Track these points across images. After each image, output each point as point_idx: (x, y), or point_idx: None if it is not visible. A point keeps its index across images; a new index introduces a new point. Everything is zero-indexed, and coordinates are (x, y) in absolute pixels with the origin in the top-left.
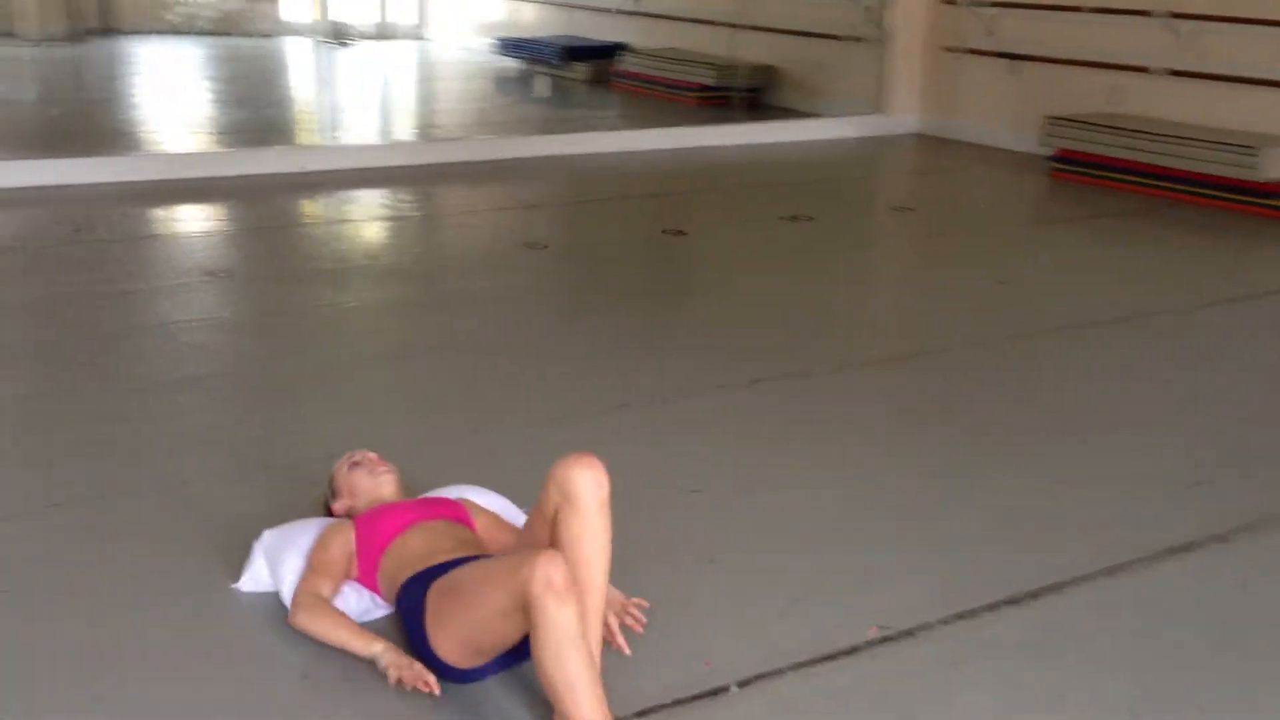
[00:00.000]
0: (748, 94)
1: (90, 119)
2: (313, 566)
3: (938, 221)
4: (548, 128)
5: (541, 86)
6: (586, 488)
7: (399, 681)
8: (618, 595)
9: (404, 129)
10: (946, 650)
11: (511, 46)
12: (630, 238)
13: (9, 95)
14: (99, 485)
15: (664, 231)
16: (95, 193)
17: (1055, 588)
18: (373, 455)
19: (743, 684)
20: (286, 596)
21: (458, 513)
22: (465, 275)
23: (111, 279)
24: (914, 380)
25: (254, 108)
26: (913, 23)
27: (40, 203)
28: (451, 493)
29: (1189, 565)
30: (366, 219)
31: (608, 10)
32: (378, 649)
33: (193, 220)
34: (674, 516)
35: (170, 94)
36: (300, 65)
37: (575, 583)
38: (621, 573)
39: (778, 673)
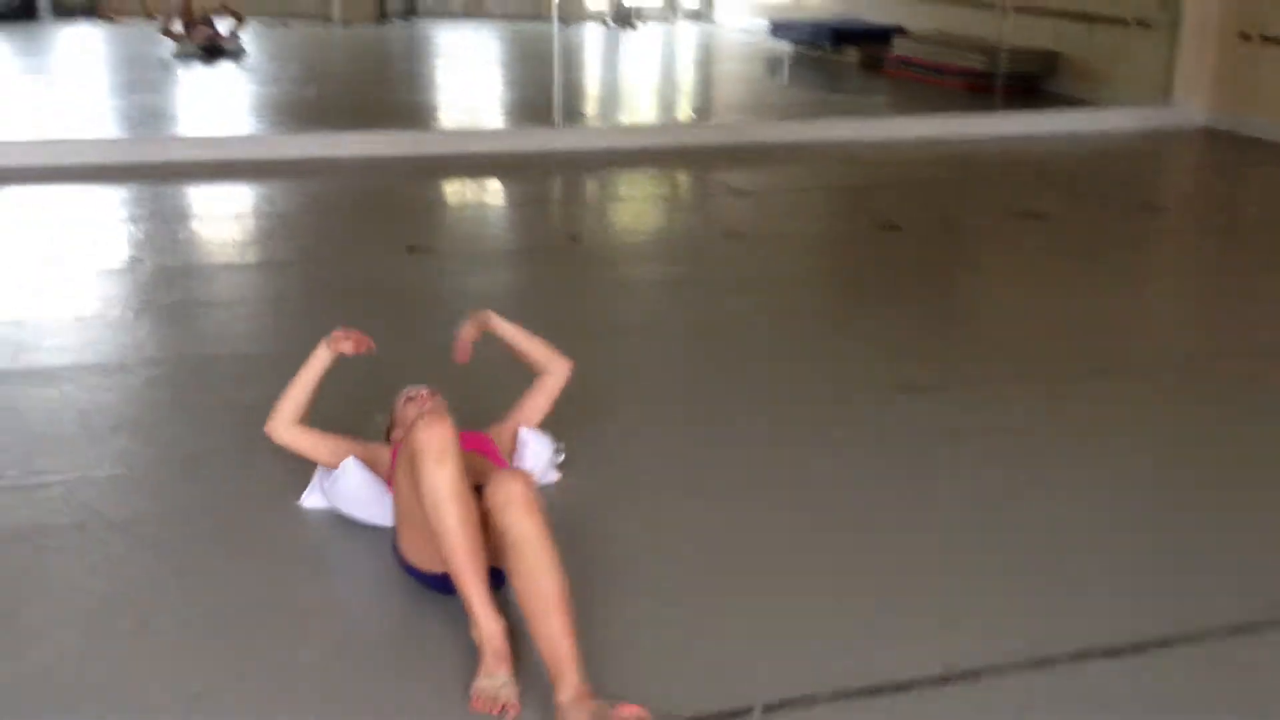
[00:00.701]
0: (1023, 81)
1: (382, 96)
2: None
3: (1195, 226)
4: (802, 112)
5: (785, 71)
6: (508, 501)
7: (345, 344)
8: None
9: (665, 111)
10: (1008, 699)
11: (785, 29)
12: (839, 231)
13: (308, 74)
14: None
15: (879, 226)
16: (386, 164)
17: (1166, 642)
18: (425, 391)
19: (769, 708)
20: (337, 502)
21: (484, 446)
22: (651, 258)
23: (397, 241)
24: (1094, 400)
25: (536, 88)
26: (1206, 6)
27: (334, 173)
28: (526, 436)
29: None
30: (630, 198)
31: None
32: (323, 344)
33: (478, 193)
34: (775, 524)
35: (460, 74)
36: (585, 48)
37: (453, 448)
38: (697, 577)
39: (811, 700)
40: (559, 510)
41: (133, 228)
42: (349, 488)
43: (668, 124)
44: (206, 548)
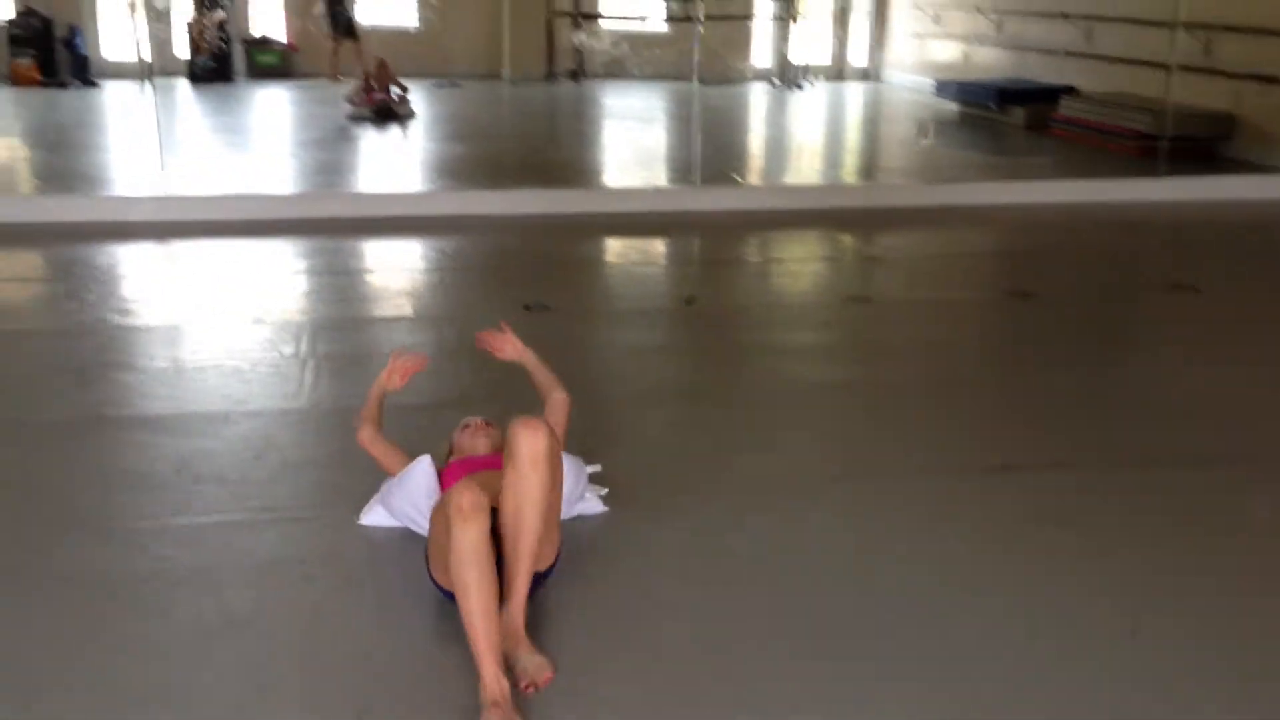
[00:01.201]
0: (1195, 144)
1: (533, 154)
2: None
3: None
4: (954, 175)
5: (928, 131)
6: (521, 446)
7: (393, 379)
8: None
9: (811, 172)
10: None
11: (950, 88)
12: (968, 297)
13: (464, 133)
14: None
15: (1011, 293)
16: (524, 222)
17: None
18: (479, 421)
19: None
20: (397, 496)
21: None
22: (762, 323)
23: (516, 299)
24: (1204, 491)
25: (685, 149)
26: None
27: (472, 229)
28: None
29: None
30: (758, 261)
31: (1056, 52)
32: (377, 380)
33: (607, 252)
34: (818, 599)
35: (613, 133)
36: (748, 108)
37: (482, 508)
38: (724, 649)
39: None
40: (611, 543)
41: (269, 282)
42: (415, 481)
43: (809, 186)
44: (261, 601)
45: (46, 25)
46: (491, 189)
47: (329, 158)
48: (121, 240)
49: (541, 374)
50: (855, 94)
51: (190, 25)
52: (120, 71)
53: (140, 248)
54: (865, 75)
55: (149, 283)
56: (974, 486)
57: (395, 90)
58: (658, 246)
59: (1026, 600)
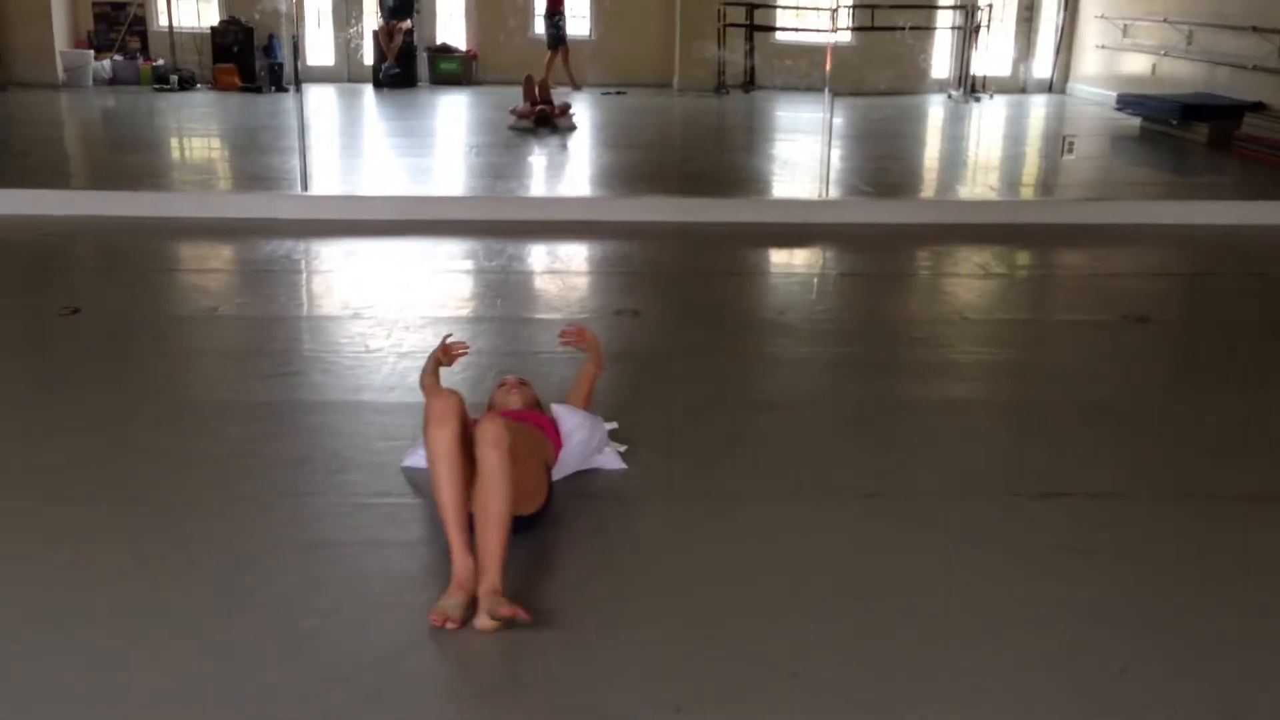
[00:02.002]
0: None
1: (676, 163)
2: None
3: None
4: (1120, 192)
5: (1070, 148)
6: (480, 435)
7: (444, 357)
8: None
9: (951, 186)
10: None
11: (1133, 103)
12: (1078, 318)
13: (625, 138)
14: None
15: (1127, 317)
16: (644, 229)
17: None
18: (514, 379)
19: None
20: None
21: (540, 422)
22: (849, 337)
23: (609, 304)
24: (1246, 528)
25: (864, 159)
26: None
27: (591, 234)
28: (557, 410)
29: None
30: (871, 275)
31: (1246, 66)
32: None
33: (716, 261)
34: (810, 619)
35: (774, 144)
36: (920, 119)
37: (451, 415)
38: (704, 669)
39: None
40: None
41: (385, 280)
42: None
43: (949, 201)
44: (280, 575)
45: (247, 34)
46: (626, 196)
47: (483, 162)
48: (268, 236)
49: (594, 355)
50: (1034, 107)
51: (377, 34)
52: (313, 77)
53: (285, 244)
54: (1048, 87)
55: (274, 276)
56: (1010, 511)
57: (558, 103)
58: (776, 257)
59: (1009, 631)
